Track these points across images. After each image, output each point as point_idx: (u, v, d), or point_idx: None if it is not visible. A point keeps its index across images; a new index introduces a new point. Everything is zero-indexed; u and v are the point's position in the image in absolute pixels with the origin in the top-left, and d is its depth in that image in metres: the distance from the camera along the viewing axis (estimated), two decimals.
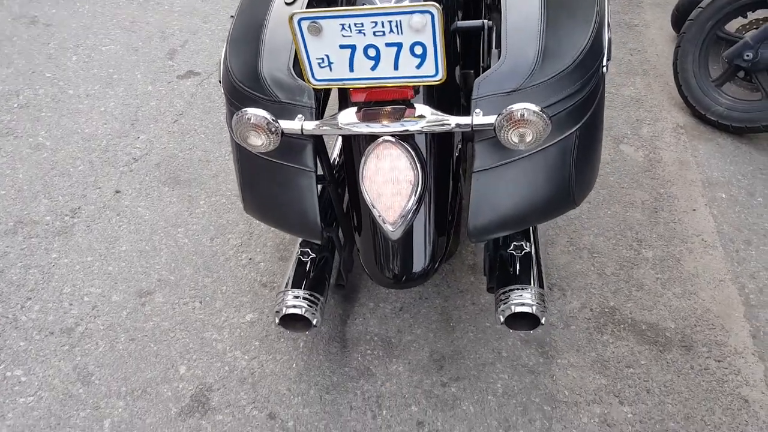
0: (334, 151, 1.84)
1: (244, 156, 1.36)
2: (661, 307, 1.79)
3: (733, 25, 2.45)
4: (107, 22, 3.35)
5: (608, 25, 1.32)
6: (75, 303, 1.85)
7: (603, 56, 1.27)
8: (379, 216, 1.24)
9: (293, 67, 1.28)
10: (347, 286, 1.86)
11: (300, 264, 1.52)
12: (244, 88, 1.29)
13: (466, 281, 1.88)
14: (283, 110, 1.23)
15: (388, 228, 1.26)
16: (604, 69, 1.28)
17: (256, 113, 1.15)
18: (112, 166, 2.37)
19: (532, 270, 1.41)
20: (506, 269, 1.43)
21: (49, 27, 3.29)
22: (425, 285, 1.88)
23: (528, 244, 1.45)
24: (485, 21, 1.41)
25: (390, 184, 1.23)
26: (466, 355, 1.68)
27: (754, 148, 2.36)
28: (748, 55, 2.24)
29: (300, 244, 1.55)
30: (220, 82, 1.41)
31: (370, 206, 1.24)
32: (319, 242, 1.40)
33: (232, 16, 1.48)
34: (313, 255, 1.53)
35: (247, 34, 1.39)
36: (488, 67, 1.45)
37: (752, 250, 1.96)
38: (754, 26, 2.43)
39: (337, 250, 1.57)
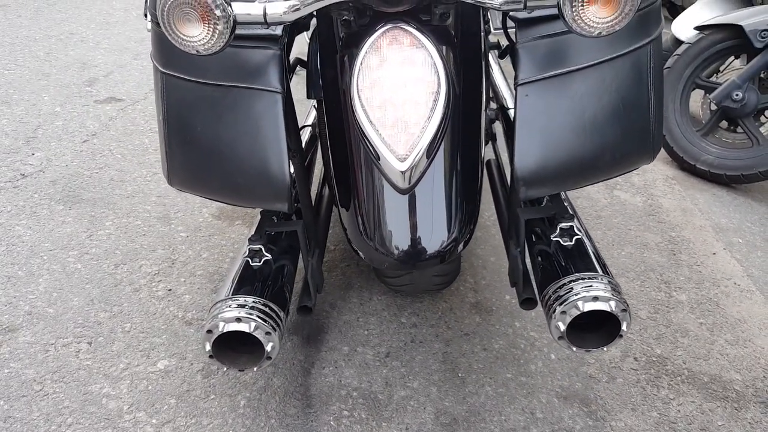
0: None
1: (171, 88, 0.92)
2: (718, 356, 1.39)
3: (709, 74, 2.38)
4: (16, 51, 2.87)
5: None
6: None
7: None
8: (384, 148, 0.83)
9: None
10: (312, 318, 1.34)
11: (248, 269, 1.02)
12: None
13: (470, 322, 1.41)
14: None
15: (396, 170, 0.83)
16: None
17: None
18: None
19: (592, 257, 0.98)
20: (552, 264, 0.99)
21: None
22: (417, 325, 1.38)
23: (578, 226, 1.03)
24: None
25: (401, 91, 0.83)
26: (486, 417, 1.17)
27: (752, 199, 2.17)
28: (737, 95, 2.12)
29: (249, 239, 1.05)
30: (145, 15, 0.99)
31: (369, 132, 0.83)
32: (285, 208, 0.92)
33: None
34: (268, 257, 1.03)
35: None
36: None
37: None
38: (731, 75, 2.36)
39: (302, 253, 1.08)
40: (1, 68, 2.66)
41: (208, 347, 0.90)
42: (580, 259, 0.97)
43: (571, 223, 1.02)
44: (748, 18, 2.10)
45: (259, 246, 1.03)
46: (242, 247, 1.05)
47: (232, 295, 0.94)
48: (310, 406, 1.15)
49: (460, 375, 1.26)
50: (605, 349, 0.94)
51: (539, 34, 0.87)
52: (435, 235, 0.89)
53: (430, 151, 0.84)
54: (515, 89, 0.88)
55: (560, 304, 0.90)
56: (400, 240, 0.88)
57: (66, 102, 2.39)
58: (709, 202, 2.12)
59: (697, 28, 2.27)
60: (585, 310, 0.87)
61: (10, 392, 1.11)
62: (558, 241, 1.02)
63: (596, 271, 0.93)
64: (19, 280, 1.40)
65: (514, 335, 1.38)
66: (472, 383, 1.24)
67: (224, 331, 0.89)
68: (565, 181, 0.91)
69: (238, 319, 0.89)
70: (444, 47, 0.87)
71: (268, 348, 0.91)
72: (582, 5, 0.74)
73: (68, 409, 1.08)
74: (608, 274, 0.93)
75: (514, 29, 0.92)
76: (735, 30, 2.12)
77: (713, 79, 2.35)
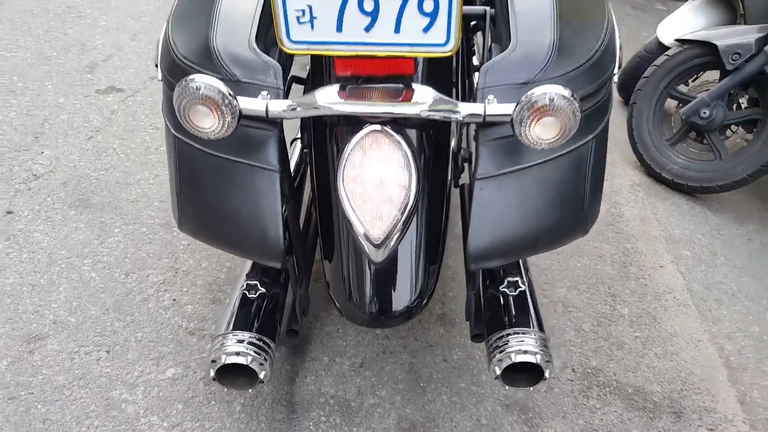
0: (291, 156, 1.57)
1: (183, 151, 1.06)
2: (645, 369, 1.63)
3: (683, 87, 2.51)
4: (15, 28, 2.93)
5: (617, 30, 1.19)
6: None
7: (616, 61, 1.13)
8: (362, 230, 1.00)
9: (256, 41, 1.03)
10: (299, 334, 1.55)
11: (244, 302, 1.21)
12: (189, 63, 1.01)
13: (435, 333, 1.63)
14: (240, 90, 0.97)
15: (371, 247, 1.01)
16: (615, 77, 1.14)
17: (208, 82, 0.87)
18: (6, 182, 1.94)
19: (530, 311, 1.19)
20: (498, 311, 1.20)
21: None
22: (389, 337, 1.60)
23: (523, 280, 1.24)
24: (487, 8, 1.25)
25: (379, 188, 1.00)
26: (440, 423, 1.41)
27: (709, 209, 2.36)
28: (704, 113, 2.27)
29: (246, 275, 1.24)
30: (156, 66, 1.13)
31: (351, 217, 1.00)
32: (278, 266, 1.10)
33: None
34: (262, 290, 1.23)
35: (195, 8, 1.12)
36: (489, 58, 1.27)
37: (724, 310, 1.88)
38: (705, 88, 2.49)
39: (291, 284, 1.28)
40: (2, 50, 2.75)
41: (212, 373, 1.11)
42: (520, 312, 1.17)
43: (517, 278, 1.22)
44: (723, 38, 2.20)
45: (255, 282, 1.23)
46: (239, 280, 1.25)
47: (232, 329, 1.14)
48: (294, 412, 1.39)
49: (421, 384, 1.49)
50: (531, 388, 1.16)
51: (496, 136, 1.02)
52: (403, 298, 1.08)
53: (402, 235, 1.02)
54: (472, 182, 1.05)
55: (499, 353, 1.11)
56: (373, 301, 1.07)
57: (69, 92, 2.50)
58: (668, 212, 2.31)
59: (677, 40, 2.39)
60: (516, 361, 1.09)
61: (45, 396, 1.33)
62: (505, 291, 1.22)
63: (530, 326, 1.14)
64: (42, 288, 1.60)
65: (471, 347, 1.61)
66: (431, 392, 1.48)
67: (226, 362, 1.10)
68: (509, 257, 1.10)
69: (237, 353, 1.10)
70: (418, 144, 1.03)
71: (261, 375, 1.12)
72: (529, 126, 0.91)
73: (94, 413, 1.31)
74: (540, 329, 1.14)
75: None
76: (711, 47, 2.23)
77: (688, 90, 2.49)
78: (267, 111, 0.94)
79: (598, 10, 1.14)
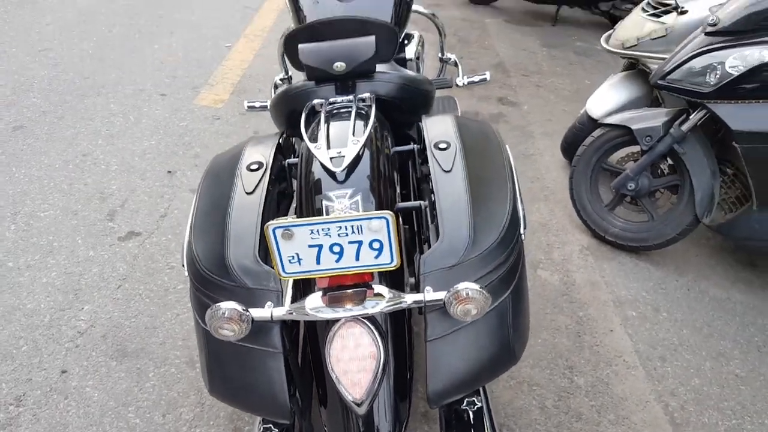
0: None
1: (210, 341, 1.43)
2: None
3: (614, 158, 2.87)
4: (44, 186, 3.41)
5: (520, 197, 1.54)
6: None
7: (520, 226, 1.49)
8: (347, 393, 1.35)
9: (258, 253, 1.42)
10: None
11: None
12: (212, 276, 1.41)
13: (420, 431, 1.97)
14: (250, 296, 1.35)
15: (355, 404, 1.36)
16: (522, 236, 1.50)
17: (229, 307, 1.25)
18: (57, 343, 2.36)
19: (485, 425, 1.54)
20: (462, 425, 1.55)
21: None
22: None
23: (479, 398, 1.59)
24: (422, 202, 1.64)
25: (355, 361, 1.35)
26: None
27: (651, 263, 2.69)
28: (630, 186, 2.63)
29: (262, 419, 1.61)
30: (183, 266, 1.51)
31: (337, 383, 1.35)
32: (287, 423, 1.47)
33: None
34: (276, 430, 1.59)
35: (210, 221, 1.53)
36: (427, 237, 1.66)
37: (667, 366, 2.19)
38: (632, 158, 2.85)
39: (297, 417, 1.64)
40: (36, 209, 3.22)
41: None
42: (477, 427, 1.52)
43: (473, 398, 1.58)
44: (637, 122, 2.57)
45: (269, 425, 1.60)
46: (256, 421, 1.61)
47: None
48: None
49: None
50: None
51: (438, 307, 1.35)
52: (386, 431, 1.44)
53: (377, 392, 1.35)
54: (425, 343, 1.40)
55: None
56: None
57: (96, 244, 2.94)
58: (615, 272, 2.64)
59: (599, 123, 2.76)
60: None
61: None
62: (466, 409, 1.58)
63: None
64: None
65: None
66: None
67: None
68: (459, 393, 1.44)
69: None
70: (380, 319, 1.40)
71: None
72: (455, 307, 1.28)
73: None
74: None
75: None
76: (628, 129, 2.59)
77: (617, 162, 2.84)
78: (272, 317, 1.32)
79: (501, 191, 1.51)
